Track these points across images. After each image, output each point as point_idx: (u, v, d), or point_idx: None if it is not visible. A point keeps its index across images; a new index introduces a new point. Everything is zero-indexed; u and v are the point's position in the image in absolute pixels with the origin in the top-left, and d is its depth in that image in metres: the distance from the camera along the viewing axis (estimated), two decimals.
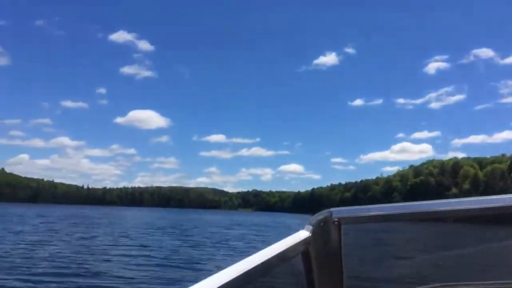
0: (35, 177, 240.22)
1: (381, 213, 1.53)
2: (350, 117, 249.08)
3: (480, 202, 1.42)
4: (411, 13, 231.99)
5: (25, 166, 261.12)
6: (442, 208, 1.47)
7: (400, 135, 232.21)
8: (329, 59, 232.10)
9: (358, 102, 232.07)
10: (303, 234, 1.45)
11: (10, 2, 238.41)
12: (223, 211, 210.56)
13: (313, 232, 1.47)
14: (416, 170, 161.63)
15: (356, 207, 1.56)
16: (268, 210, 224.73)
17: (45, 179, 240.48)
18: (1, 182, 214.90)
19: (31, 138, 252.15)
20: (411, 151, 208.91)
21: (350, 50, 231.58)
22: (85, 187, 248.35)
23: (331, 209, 1.54)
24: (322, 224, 1.50)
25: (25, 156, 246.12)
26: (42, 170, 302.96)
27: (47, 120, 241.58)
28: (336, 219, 1.51)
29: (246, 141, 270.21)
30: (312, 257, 1.47)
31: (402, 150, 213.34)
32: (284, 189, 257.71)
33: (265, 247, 1.24)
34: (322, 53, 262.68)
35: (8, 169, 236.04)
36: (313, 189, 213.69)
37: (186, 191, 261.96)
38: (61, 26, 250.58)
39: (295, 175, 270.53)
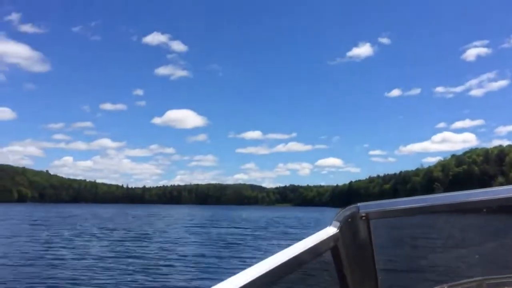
0: (79, 178, 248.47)
1: (410, 206, 1.47)
2: (387, 108, 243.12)
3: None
4: None
5: (70, 168, 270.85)
6: (476, 198, 1.40)
7: (441, 124, 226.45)
8: (363, 50, 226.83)
9: (396, 92, 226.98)
10: (331, 230, 1.42)
11: (47, 11, 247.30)
12: (260, 206, 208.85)
13: (341, 228, 1.44)
14: (459, 159, 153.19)
15: (384, 201, 1.52)
16: (306, 204, 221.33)
17: (87, 180, 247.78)
18: (45, 184, 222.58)
19: (74, 141, 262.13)
20: (453, 140, 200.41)
21: (384, 40, 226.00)
22: (125, 186, 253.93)
23: (358, 204, 1.50)
24: (349, 219, 1.48)
25: (69, 159, 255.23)
26: (85, 171, 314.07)
27: (88, 123, 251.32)
28: (363, 214, 1.48)
29: (283, 136, 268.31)
30: (341, 253, 1.45)
31: (444, 140, 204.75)
32: (322, 183, 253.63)
33: (293, 244, 1.22)
34: (355, 44, 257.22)
35: (53, 171, 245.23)
36: (350, 182, 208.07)
37: (224, 188, 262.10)
38: (97, 31, 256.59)
39: (334, 168, 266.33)
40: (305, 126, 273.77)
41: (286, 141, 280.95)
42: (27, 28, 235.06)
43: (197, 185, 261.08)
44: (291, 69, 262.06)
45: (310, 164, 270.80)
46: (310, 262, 1.30)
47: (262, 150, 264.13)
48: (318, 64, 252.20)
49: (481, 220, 1.68)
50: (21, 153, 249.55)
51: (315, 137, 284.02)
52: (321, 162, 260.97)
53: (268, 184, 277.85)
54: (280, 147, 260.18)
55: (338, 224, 1.44)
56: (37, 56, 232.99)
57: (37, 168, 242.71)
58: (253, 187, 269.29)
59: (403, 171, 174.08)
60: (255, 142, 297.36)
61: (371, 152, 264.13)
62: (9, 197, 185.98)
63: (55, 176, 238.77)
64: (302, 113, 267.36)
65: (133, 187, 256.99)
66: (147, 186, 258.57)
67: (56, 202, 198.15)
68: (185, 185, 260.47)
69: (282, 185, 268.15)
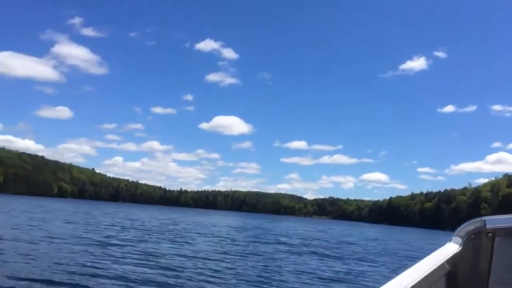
0: (126, 178, 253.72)
1: None
2: (440, 125, 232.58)
3: None
4: (506, 11, 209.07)
5: (119, 167, 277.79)
6: None
7: (497, 144, 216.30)
8: (418, 63, 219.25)
9: (449, 108, 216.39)
10: (451, 248, 1.27)
11: (107, 16, 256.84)
12: (295, 217, 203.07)
13: (463, 246, 1.28)
14: (511, 179, 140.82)
15: None
16: (345, 218, 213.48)
17: (130, 180, 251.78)
18: (86, 181, 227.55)
19: (125, 142, 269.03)
20: (509, 162, 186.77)
21: (440, 54, 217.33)
22: (163, 188, 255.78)
23: (484, 218, 1.33)
24: (472, 236, 1.31)
25: (119, 159, 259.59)
26: (133, 172, 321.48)
27: (139, 125, 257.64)
28: (490, 230, 1.30)
29: (328, 148, 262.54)
30: (459, 274, 1.30)
31: (499, 161, 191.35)
32: (366, 198, 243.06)
33: (407, 269, 1.12)
34: (409, 57, 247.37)
35: (103, 170, 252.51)
36: (390, 198, 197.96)
37: (262, 196, 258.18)
38: (152, 37, 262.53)
39: (379, 184, 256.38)
40: (352, 139, 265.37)
41: (331, 153, 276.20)
42: (88, 31, 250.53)
43: (235, 191, 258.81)
44: (341, 80, 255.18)
45: (355, 178, 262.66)
46: (433, 284, 1.18)
47: (306, 161, 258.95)
48: (369, 76, 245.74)
49: None
50: (75, 151, 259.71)
51: (361, 150, 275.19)
52: (366, 176, 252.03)
53: (310, 196, 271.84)
54: (325, 159, 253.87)
55: (459, 240, 1.29)
56: (96, 59, 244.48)
57: (89, 166, 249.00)
58: (293, 198, 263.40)
59: (448, 189, 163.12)
60: (300, 152, 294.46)
61: (420, 169, 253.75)
62: (49, 192, 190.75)
63: (99, 174, 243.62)
64: (349, 125, 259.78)
65: (173, 189, 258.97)
66: (190, 190, 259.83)
67: (95, 199, 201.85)
68: (225, 191, 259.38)
69: (323, 197, 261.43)
